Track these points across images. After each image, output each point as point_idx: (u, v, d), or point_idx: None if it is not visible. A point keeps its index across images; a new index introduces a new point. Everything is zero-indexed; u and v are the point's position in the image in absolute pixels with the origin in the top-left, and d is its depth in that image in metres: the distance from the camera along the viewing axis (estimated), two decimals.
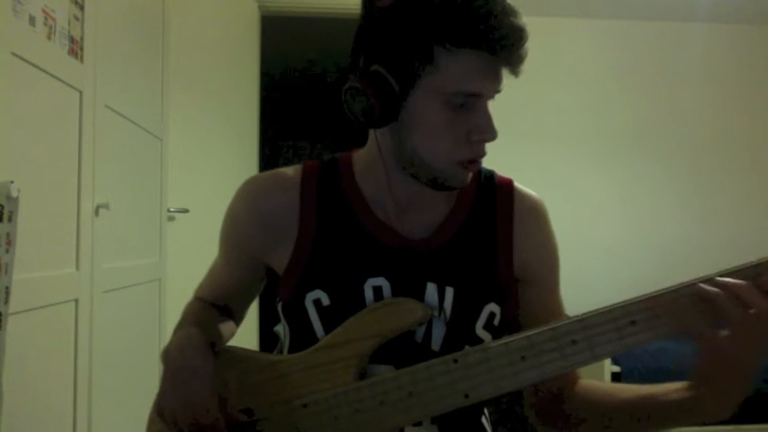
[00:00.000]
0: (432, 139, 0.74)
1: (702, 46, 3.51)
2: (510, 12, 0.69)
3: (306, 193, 0.84)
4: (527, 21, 0.71)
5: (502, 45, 0.69)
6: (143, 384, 2.01)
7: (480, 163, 0.79)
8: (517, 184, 0.89)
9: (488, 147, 0.77)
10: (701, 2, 3.30)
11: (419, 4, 0.69)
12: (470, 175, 0.79)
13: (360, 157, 0.87)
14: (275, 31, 3.35)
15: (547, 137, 3.48)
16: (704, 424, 0.70)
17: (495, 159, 0.90)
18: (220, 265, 0.94)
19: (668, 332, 0.66)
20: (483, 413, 0.89)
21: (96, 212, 1.56)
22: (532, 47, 0.72)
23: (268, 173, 0.89)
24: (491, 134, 0.74)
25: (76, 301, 1.47)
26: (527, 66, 0.73)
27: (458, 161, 0.75)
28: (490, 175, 0.89)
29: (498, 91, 0.74)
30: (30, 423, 1.26)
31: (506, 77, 0.75)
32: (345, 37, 0.85)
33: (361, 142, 0.88)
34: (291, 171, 0.87)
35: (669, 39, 3.54)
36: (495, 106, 0.76)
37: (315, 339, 0.79)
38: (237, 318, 0.98)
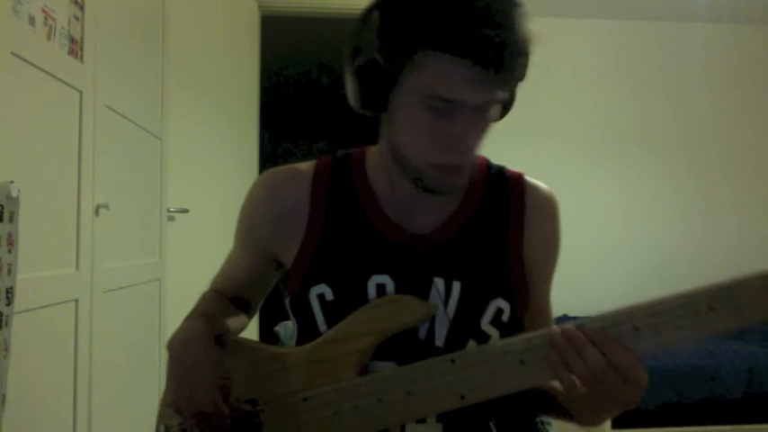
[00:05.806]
0: (409, 136, 0.75)
1: (703, 46, 3.51)
2: (496, 22, 0.66)
3: (316, 188, 0.86)
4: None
5: (479, 54, 0.66)
6: (143, 384, 2.01)
7: (461, 170, 0.76)
8: (528, 178, 0.88)
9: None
10: (702, 2, 3.30)
11: (408, 4, 0.70)
12: (458, 180, 0.78)
13: (373, 153, 0.88)
14: (275, 31, 3.35)
15: (548, 137, 3.48)
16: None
17: (497, 159, 0.90)
18: (235, 255, 0.96)
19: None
20: (492, 419, 0.87)
21: (96, 212, 1.56)
22: (533, 47, 0.71)
23: (285, 167, 0.90)
24: (461, 146, 0.73)
25: (76, 301, 1.47)
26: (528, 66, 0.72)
27: (432, 164, 0.74)
28: (501, 170, 0.89)
29: (489, 102, 0.71)
30: (30, 423, 1.26)
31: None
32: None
33: (361, 141, 0.88)
34: (306, 166, 0.89)
35: (670, 39, 3.54)
36: None
37: (318, 333, 0.80)
38: (251, 309, 0.99)
